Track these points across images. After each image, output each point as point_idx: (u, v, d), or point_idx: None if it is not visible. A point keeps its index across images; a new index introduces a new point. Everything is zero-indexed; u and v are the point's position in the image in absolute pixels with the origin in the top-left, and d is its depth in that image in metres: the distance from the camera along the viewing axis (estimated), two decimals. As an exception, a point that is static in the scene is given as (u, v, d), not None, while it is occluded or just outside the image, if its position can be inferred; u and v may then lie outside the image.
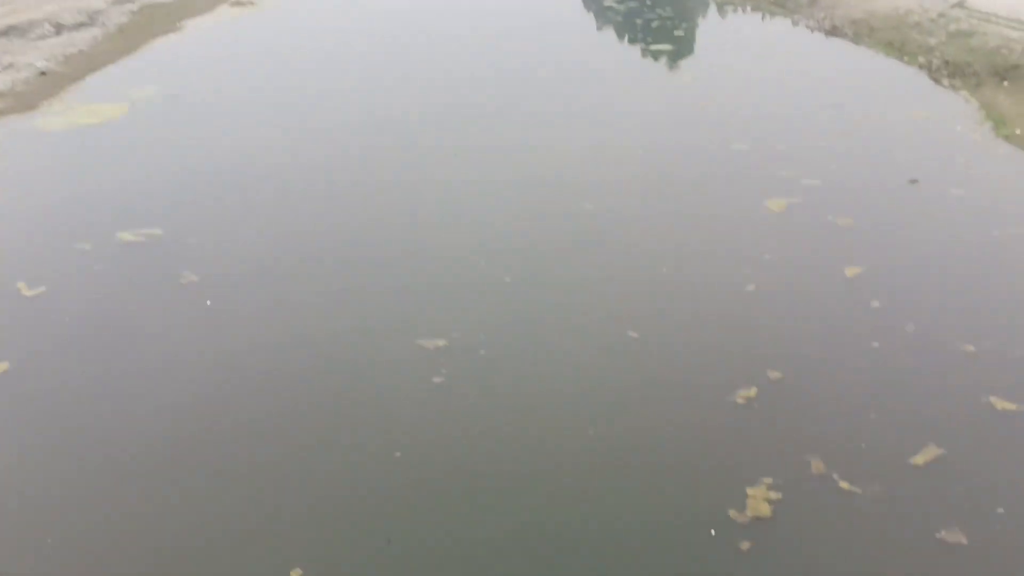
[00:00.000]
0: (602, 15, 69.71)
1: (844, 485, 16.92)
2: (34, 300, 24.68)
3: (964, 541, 15.53)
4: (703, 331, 22.60)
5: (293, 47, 58.99)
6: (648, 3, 70.95)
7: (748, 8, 65.32)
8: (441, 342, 21.99)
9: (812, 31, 55.92)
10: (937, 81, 42.80)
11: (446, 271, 25.97)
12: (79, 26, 62.37)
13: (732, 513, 16.26)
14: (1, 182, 34.19)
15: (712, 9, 68.31)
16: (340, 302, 24.36)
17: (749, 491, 16.79)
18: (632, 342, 22.03)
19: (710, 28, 63.90)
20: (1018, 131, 35.33)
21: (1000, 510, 16.26)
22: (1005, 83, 40.21)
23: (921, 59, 45.68)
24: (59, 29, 60.75)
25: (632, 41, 60.57)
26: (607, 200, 30.62)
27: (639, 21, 64.59)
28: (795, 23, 58.42)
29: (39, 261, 27.06)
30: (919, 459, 17.63)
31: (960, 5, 51.47)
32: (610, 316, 23.28)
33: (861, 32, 52.33)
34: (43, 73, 49.75)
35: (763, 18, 62.04)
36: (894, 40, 49.41)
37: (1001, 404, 19.32)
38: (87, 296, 25.07)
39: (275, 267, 26.45)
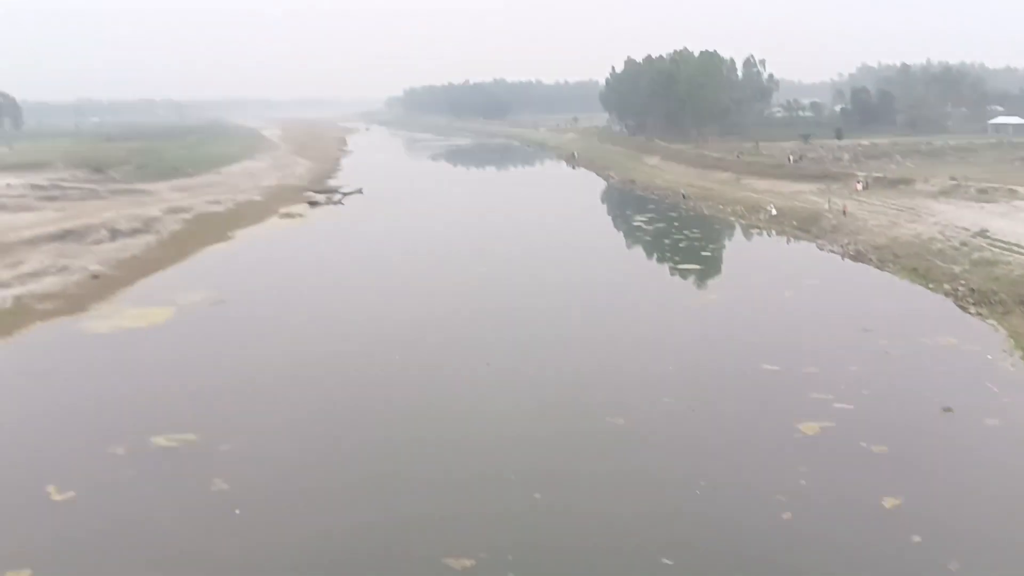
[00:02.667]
0: (632, 235, 72.53)
1: None
2: (62, 505, 24.63)
3: None
4: (740, 566, 21.87)
5: (334, 258, 61.62)
6: (676, 224, 73.91)
7: (773, 232, 67.62)
8: (468, 562, 21.47)
9: (837, 256, 57.52)
10: (964, 308, 43.33)
11: (475, 488, 25.71)
12: (134, 232, 65.78)
13: None
14: (42, 383, 35.02)
15: (738, 232, 70.85)
16: (368, 520, 23.99)
17: None
18: (667, 571, 21.34)
19: (737, 249, 66.00)
20: (1050, 360, 35.31)
21: None
22: (1032, 312, 40.51)
23: (947, 286, 46.50)
24: (115, 235, 64.06)
25: (661, 260, 62.56)
26: (639, 419, 30.61)
27: (667, 241, 66.98)
28: (820, 248, 60.23)
29: (71, 464, 27.22)
30: None
31: (982, 234, 53.01)
32: (643, 546, 22.68)
33: (885, 258, 53.74)
34: (95, 276, 52.05)
35: (788, 242, 64.08)
36: (919, 267, 50.57)
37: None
38: (117, 503, 24.96)
39: (304, 479, 26.41)
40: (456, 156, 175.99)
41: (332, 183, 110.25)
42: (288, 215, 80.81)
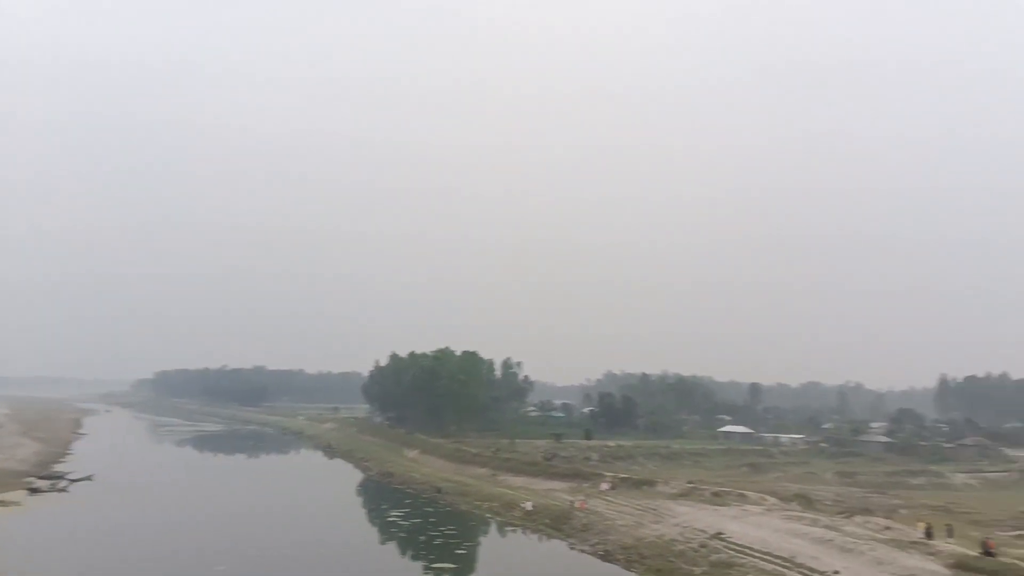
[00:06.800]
0: (386, 531, 69.67)
1: None
2: None
3: None
4: None
5: (41, 556, 54.37)
6: (432, 520, 72.09)
7: (527, 530, 67.52)
8: None
9: (587, 555, 57.89)
10: (706, 610, 44.11)
11: None
12: None
13: None
14: None
15: (493, 529, 70.08)
16: None
17: None
18: None
19: (491, 547, 64.76)
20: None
21: None
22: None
23: (689, 588, 47.56)
24: None
25: (415, 558, 59.98)
26: None
27: (422, 538, 64.76)
28: (571, 546, 60.49)
29: None
30: None
31: (718, 536, 55.54)
32: None
33: (632, 559, 54.65)
34: None
35: (540, 540, 64.00)
36: (663, 568, 51.73)
37: None
38: None
39: None
40: (204, 443, 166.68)
41: (60, 468, 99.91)
42: (1, 503, 71.40)
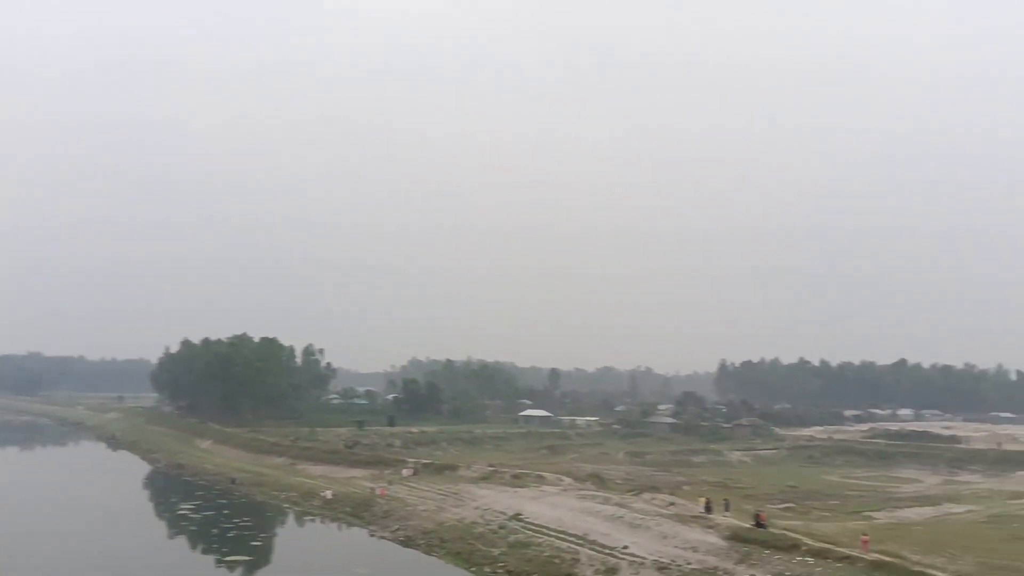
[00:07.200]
0: (176, 525, 66.33)
1: None
2: None
3: None
4: None
5: None
6: (226, 512, 69.31)
7: (327, 518, 66.38)
8: None
9: (387, 541, 57.67)
10: (505, 590, 45.11)
11: None
12: None
13: None
14: None
15: (291, 519, 68.43)
16: None
17: None
18: None
19: (289, 537, 63.22)
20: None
21: None
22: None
23: (487, 568, 48.51)
24: None
25: (207, 551, 57.54)
26: None
27: (215, 530, 62.22)
28: (371, 533, 60.05)
29: None
30: None
31: (517, 517, 56.91)
32: None
33: (433, 543, 54.97)
34: None
35: (340, 528, 63.14)
36: (463, 550, 52.37)
37: None
38: None
39: None
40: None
41: None
42: None
